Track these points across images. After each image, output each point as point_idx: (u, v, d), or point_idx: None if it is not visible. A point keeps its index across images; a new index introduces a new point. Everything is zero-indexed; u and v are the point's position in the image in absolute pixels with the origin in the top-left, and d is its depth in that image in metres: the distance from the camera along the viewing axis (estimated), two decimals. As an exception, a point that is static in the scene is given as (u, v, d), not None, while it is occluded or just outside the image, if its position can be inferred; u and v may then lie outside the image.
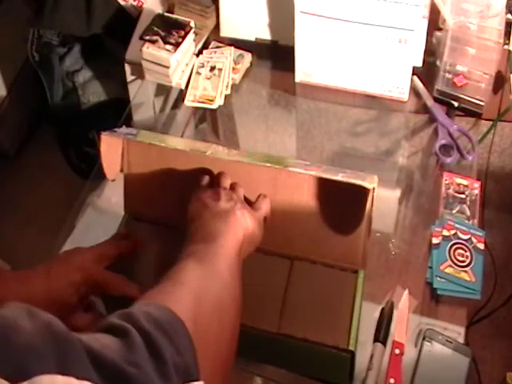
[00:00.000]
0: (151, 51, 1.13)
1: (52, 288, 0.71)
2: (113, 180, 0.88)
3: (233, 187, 0.79)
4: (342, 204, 0.79)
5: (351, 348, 0.75)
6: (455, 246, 0.93)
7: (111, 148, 0.84)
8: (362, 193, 0.74)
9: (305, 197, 0.81)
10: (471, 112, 1.10)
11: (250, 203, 0.79)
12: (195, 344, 0.51)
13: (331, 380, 0.82)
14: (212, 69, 1.18)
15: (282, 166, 0.78)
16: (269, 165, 0.78)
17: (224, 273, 0.64)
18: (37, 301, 0.68)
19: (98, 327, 0.48)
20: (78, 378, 0.38)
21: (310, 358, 0.79)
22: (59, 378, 0.37)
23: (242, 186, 0.81)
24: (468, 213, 0.98)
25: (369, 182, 0.73)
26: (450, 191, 1.00)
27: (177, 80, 1.17)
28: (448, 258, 0.92)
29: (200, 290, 0.59)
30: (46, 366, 0.37)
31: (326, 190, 0.79)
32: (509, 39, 1.15)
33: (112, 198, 1.08)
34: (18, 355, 0.37)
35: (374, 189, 0.73)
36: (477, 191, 1.00)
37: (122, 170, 0.88)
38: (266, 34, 1.23)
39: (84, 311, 0.75)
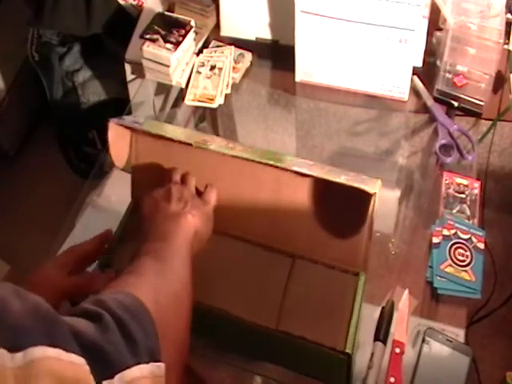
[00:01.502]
0: (151, 50, 1.13)
1: None
2: (121, 169, 0.88)
3: (184, 179, 0.83)
4: (344, 207, 0.79)
5: (348, 351, 0.74)
6: (455, 246, 0.93)
7: (119, 135, 0.84)
8: (364, 197, 0.74)
9: (307, 198, 0.80)
10: (471, 112, 1.10)
11: (199, 193, 0.82)
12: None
13: (328, 381, 0.82)
14: (212, 68, 1.18)
15: (286, 163, 0.78)
16: (272, 163, 0.78)
17: (177, 269, 0.68)
18: None
19: (73, 312, 0.51)
20: (65, 350, 0.42)
21: (307, 357, 0.79)
22: (50, 349, 0.41)
23: (245, 185, 0.81)
24: (468, 212, 0.98)
25: (371, 186, 0.73)
26: (450, 191, 1.00)
27: (177, 79, 1.17)
28: (448, 257, 0.92)
29: (158, 283, 0.63)
30: (38, 340, 0.41)
31: (329, 192, 0.78)
32: (509, 39, 1.15)
33: (112, 196, 1.08)
34: (11, 331, 0.41)
35: (375, 194, 0.73)
36: (477, 191, 1.00)
37: (129, 160, 0.88)
38: (266, 34, 1.23)
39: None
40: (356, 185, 0.73)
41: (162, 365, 0.52)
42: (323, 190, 0.79)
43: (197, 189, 0.83)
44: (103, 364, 0.46)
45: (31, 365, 0.40)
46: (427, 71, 1.14)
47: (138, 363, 0.49)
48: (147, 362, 0.50)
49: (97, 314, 0.51)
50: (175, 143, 0.82)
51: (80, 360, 0.43)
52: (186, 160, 0.84)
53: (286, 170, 0.78)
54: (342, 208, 0.79)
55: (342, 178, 0.75)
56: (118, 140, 0.85)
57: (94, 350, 0.46)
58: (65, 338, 0.44)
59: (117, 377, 0.46)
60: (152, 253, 0.68)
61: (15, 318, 0.42)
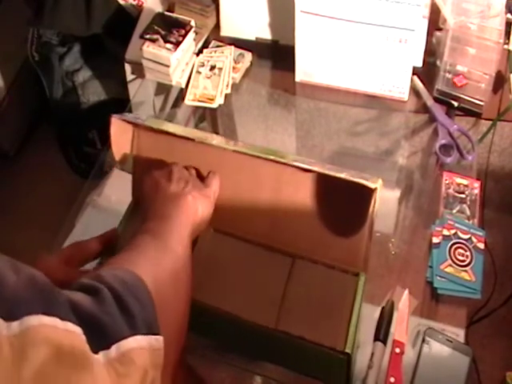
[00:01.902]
0: (151, 50, 1.13)
1: None
2: (121, 165, 0.88)
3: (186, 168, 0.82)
4: (345, 205, 0.78)
5: (348, 351, 0.74)
6: (455, 246, 0.93)
7: (121, 130, 0.84)
8: (365, 193, 0.73)
9: (309, 196, 0.80)
10: (471, 112, 1.10)
11: (201, 178, 0.81)
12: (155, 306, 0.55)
13: (327, 381, 0.82)
14: (212, 68, 1.18)
15: (287, 159, 0.78)
16: (272, 157, 0.78)
17: (177, 248, 0.67)
18: None
19: (71, 287, 0.51)
20: (61, 319, 0.43)
21: (307, 357, 0.79)
22: (45, 318, 0.42)
23: (246, 182, 0.81)
24: (468, 212, 0.98)
25: (373, 182, 0.73)
26: (450, 191, 1.00)
27: (177, 79, 1.17)
28: (448, 257, 0.92)
29: (156, 260, 0.63)
30: (34, 309, 0.42)
31: (330, 189, 0.78)
32: (509, 39, 1.15)
33: (112, 196, 1.08)
34: (7, 301, 0.41)
35: (376, 189, 0.73)
36: (477, 191, 1.00)
37: (130, 156, 0.88)
38: (266, 34, 1.23)
39: None
40: (357, 180, 0.73)
41: (160, 338, 0.52)
42: (324, 186, 0.79)
43: (199, 177, 0.83)
44: (100, 335, 0.46)
45: (27, 332, 0.40)
46: (427, 71, 1.14)
47: (135, 334, 0.49)
48: (145, 334, 0.50)
49: (94, 288, 0.51)
50: (177, 139, 0.82)
51: (76, 329, 0.44)
52: (188, 156, 0.84)
53: (287, 164, 0.78)
54: (343, 205, 0.79)
55: (342, 175, 0.75)
56: (120, 135, 0.85)
57: (91, 321, 0.46)
58: (61, 308, 0.44)
59: (113, 347, 0.47)
60: (151, 231, 0.68)
61: (11, 289, 0.42)
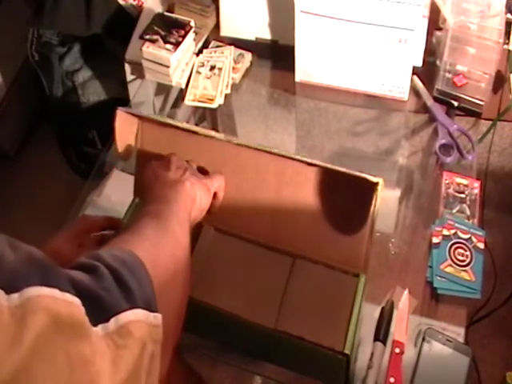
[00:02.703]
0: (151, 50, 1.13)
1: None
2: (125, 159, 0.88)
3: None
4: (347, 200, 0.78)
5: (347, 351, 0.74)
6: (455, 246, 0.93)
7: (126, 123, 0.84)
8: (367, 188, 0.73)
9: (311, 193, 0.80)
10: (471, 112, 1.10)
11: (203, 173, 0.82)
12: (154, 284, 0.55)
13: (327, 381, 0.82)
14: (212, 68, 1.18)
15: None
16: (276, 151, 0.78)
17: (176, 231, 0.67)
18: None
19: (69, 267, 0.52)
20: (60, 290, 0.44)
21: (306, 357, 0.79)
22: (45, 288, 0.43)
23: (248, 180, 0.82)
24: (468, 212, 0.98)
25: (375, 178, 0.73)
26: (450, 191, 1.00)
27: (177, 79, 1.17)
28: (448, 257, 0.92)
29: (155, 242, 0.63)
30: (33, 281, 0.43)
31: (332, 184, 0.78)
32: (509, 39, 1.15)
33: (112, 196, 1.08)
34: (7, 275, 0.42)
35: (378, 184, 0.73)
36: (477, 191, 1.00)
37: (134, 150, 0.88)
38: (266, 34, 1.23)
39: None
40: (360, 174, 0.73)
41: (158, 315, 0.52)
42: (327, 181, 0.79)
43: (202, 172, 0.83)
44: (98, 309, 0.47)
45: (27, 302, 0.41)
46: (427, 71, 1.15)
47: (134, 308, 0.50)
48: (143, 309, 0.51)
49: (92, 266, 0.52)
50: (181, 134, 0.82)
51: (75, 299, 0.44)
52: (191, 151, 0.84)
53: (290, 158, 0.78)
54: (345, 200, 0.78)
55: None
56: (125, 128, 0.84)
57: (89, 296, 0.47)
58: (60, 281, 0.45)
59: (112, 320, 0.47)
60: (150, 214, 0.68)
61: (10, 263, 0.43)
